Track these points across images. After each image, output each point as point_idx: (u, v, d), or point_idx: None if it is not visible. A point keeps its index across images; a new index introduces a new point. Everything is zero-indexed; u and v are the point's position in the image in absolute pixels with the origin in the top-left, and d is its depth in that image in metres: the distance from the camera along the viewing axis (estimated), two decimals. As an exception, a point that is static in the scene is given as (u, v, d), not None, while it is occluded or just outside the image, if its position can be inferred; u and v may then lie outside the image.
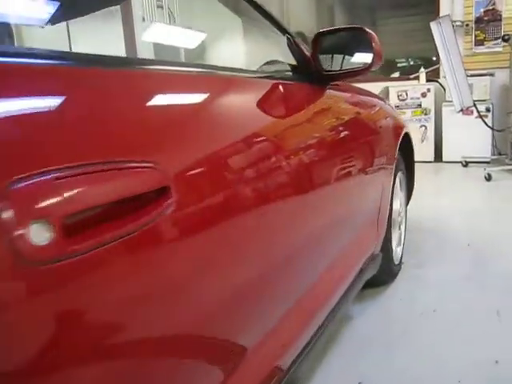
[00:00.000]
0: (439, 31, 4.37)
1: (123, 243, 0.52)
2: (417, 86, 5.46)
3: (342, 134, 1.36)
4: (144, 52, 5.48)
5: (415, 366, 1.47)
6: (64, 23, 4.19)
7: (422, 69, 5.56)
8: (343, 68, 1.36)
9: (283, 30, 1.28)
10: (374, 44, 1.26)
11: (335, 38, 1.31)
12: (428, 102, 5.38)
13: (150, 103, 0.70)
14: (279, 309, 1.02)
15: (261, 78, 1.20)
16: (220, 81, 0.99)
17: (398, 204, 2.12)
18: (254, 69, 1.44)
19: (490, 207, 3.52)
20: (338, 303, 1.35)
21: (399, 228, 2.19)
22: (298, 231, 1.04)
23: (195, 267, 0.68)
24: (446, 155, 5.28)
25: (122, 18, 5.47)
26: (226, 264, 0.76)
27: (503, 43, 5.00)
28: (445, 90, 5.21)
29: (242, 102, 1.01)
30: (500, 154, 5.05)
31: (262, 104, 1.04)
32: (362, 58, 1.34)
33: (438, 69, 5.47)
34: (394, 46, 7.56)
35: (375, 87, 5.25)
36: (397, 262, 2.12)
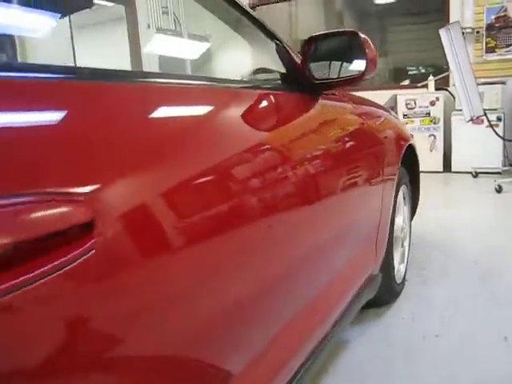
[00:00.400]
0: (448, 38, 4.26)
1: (22, 294, 0.42)
2: (425, 95, 5.34)
3: (334, 147, 1.25)
4: (149, 58, 5.46)
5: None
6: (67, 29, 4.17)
7: (431, 77, 5.45)
8: (339, 76, 1.26)
9: (271, 35, 1.18)
10: (367, 50, 1.15)
11: (327, 43, 1.20)
12: (437, 111, 5.26)
13: (85, 116, 0.59)
14: (269, 331, 0.93)
15: (246, 87, 1.10)
16: (197, 92, 0.90)
17: (400, 220, 2.00)
18: (239, 78, 1.35)
19: (499, 221, 3.39)
20: (332, 327, 1.26)
21: (402, 245, 2.07)
22: (278, 254, 0.93)
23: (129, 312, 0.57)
24: (456, 165, 5.14)
25: (127, 24, 5.46)
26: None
27: (515, 51, 4.89)
28: (454, 98, 5.10)
29: (224, 115, 0.91)
30: (511, 164, 4.91)
31: (247, 116, 0.95)
32: (359, 64, 1.24)
33: (448, 77, 5.35)
34: (404, 53, 7.48)
35: (383, 95, 5.15)
36: (399, 281, 2.01)
